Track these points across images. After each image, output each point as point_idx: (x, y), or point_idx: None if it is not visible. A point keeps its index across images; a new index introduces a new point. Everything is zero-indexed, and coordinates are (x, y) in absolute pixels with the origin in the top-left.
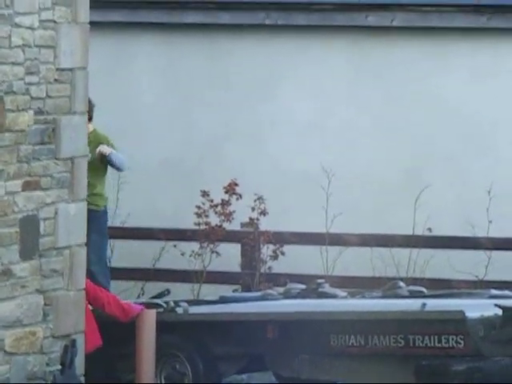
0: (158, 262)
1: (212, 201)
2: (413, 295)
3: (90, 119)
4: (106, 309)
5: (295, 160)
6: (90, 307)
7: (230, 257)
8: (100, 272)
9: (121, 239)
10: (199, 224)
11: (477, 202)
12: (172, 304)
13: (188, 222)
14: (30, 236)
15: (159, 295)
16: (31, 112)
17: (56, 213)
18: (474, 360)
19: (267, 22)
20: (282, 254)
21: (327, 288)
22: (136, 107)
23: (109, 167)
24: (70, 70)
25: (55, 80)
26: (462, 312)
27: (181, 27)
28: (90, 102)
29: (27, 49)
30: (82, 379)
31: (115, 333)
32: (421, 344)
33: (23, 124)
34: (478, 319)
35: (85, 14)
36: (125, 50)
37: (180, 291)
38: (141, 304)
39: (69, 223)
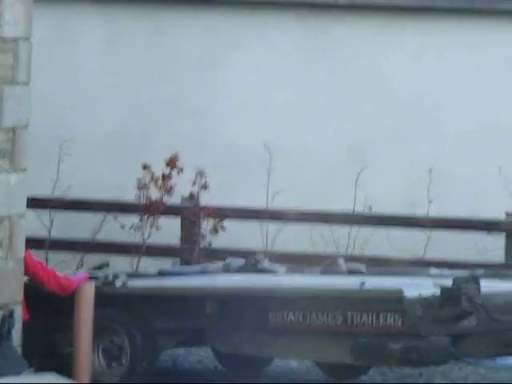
0: (98, 234)
1: (153, 174)
2: (352, 273)
3: None
4: (45, 286)
5: (238, 135)
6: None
7: (169, 230)
8: None
9: (61, 210)
10: (140, 197)
11: (418, 181)
12: (111, 277)
13: (129, 195)
14: None
15: (98, 267)
16: None
17: None
18: (411, 339)
19: None
20: (222, 228)
21: (266, 263)
22: (80, 79)
23: None
24: (14, 40)
25: None
26: (400, 290)
27: (125, 1)
28: None
29: None
30: (19, 350)
31: (53, 305)
32: (359, 321)
33: None
34: (416, 298)
35: None
36: (69, 21)
37: (119, 264)
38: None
39: (9, 193)
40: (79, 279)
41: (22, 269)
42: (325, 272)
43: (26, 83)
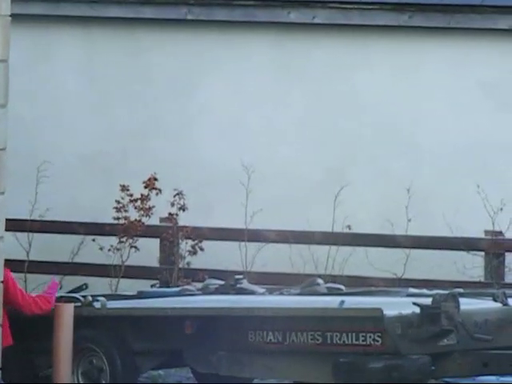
0: (77, 255)
1: (132, 195)
2: (331, 292)
3: None
4: (24, 310)
5: (216, 156)
6: None
7: (148, 252)
8: None
9: (39, 232)
10: (118, 218)
11: (396, 200)
12: (90, 298)
13: (107, 217)
14: None
15: (77, 289)
16: None
17: None
18: (391, 358)
19: (189, 17)
20: (201, 249)
21: (245, 284)
22: (57, 101)
23: None
24: None
25: None
26: (379, 310)
27: (103, 21)
28: None
29: None
30: None
31: (32, 327)
32: (339, 341)
33: None
34: (395, 317)
35: (6, 6)
36: (46, 43)
37: (98, 286)
38: (59, 298)
39: None
40: (53, 292)
41: (1, 291)
42: (304, 292)
43: (3, 105)
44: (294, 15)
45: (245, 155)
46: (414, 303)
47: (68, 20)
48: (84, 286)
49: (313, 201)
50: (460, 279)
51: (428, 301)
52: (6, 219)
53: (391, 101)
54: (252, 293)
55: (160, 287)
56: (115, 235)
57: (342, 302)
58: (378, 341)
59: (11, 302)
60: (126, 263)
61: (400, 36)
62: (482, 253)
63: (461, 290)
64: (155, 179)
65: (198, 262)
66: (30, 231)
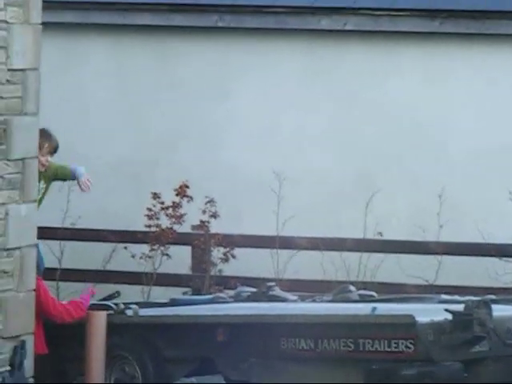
0: (109, 263)
1: (163, 203)
2: (363, 299)
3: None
4: (55, 319)
5: (247, 163)
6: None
7: (180, 259)
8: None
9: (71, 240)
10: (150, 226)
11: (428, 206)
12: (122, 306)
13: (139, 224)
14: None
15: (109, 297)
16: None
17: (7, 214)
18: (423, 365)
19: (220, 24)
20: (233, 256)
21: (277, 291)
22: (87, 108)
23: None
24: (22, 70)
25: (7, 81)
26: (411, 316)
27: (133, 29)
28: (51, 138)
29: None
30: (31, 381)
31: (65, 334)
32: (371, 348)
33: None
34: (427, 324)
35: (37, 14)
36: (77, 51)
37: (130, 293)
38: (91, 306)
39: (19, 224)
40: (86, 299)
41: (34, 300)
42: (336, 299)
43: (35, 114)
44: (325, 22)
45: (276, 162)
46: (446, 310)
47: (98, 28)
48: (116, 294)
49: (344, 207)
50: (492, 285)
51: (460, 307)
52: (38, 227)
53: (422, 107)
54: (284, 300)
55: (192, 295)
56: (147, 243)
57: (374, 308)
58: (410, 348)
59: (43, 311)
60: (158, 271)
61: (431, 42)
62: None
63: (493, 297)
64: (186, 186)
65: (229, 269)
66: (62, 239)
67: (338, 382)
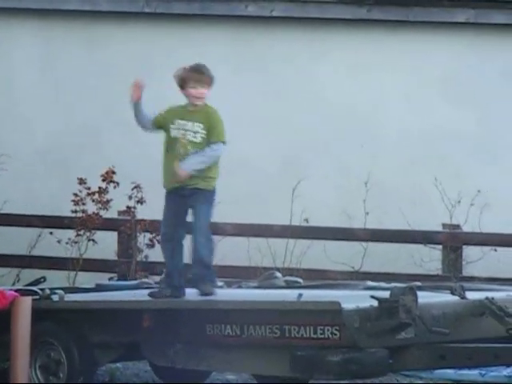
0: (34, 249)
1: (89, 188)
2: (289, 285)
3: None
4: None
5: None
6: None
7: (106, 245)
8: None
9: None
10: (76, 212)
11: (354, 193)
12: (48, 291)
13: (65, 210)
14: None
15: (35, 282)
16: None
17: None
18: (349, 351)
19: (146, 10)
20: (159, 242)
21: None
22: (13, 94)
23: None
24: None
25: None
26: (337, 303)
27: (60, 14)
28: (203, 68)
29: None
30: None
31: None
32: (297, 335)
33: None
34: (353, 310)
35: None
36: (3, 36)
37: (56, 279)
38: (16, 291)
39: None
40: (14, 294)
41: None
42: (262, 285)
43: None
44: (252, 8)
45: None
46: (372, 296)
47: (26, 13)
48: (42, 279)
49: (271, 194)
50: (418, 272)
51: (386, 294)
52: None
53: (350, 94)
54: None
55: (118, 280)
56: (73, 228)
57: (300, 295)
58: (335, 334)
59: None
60: (84, 256)
61: (358, 29)
62: (440, 246)
63: (419, 284)
64: (113, 172)
65: (155, 255)
66: None
67: (263, 368)
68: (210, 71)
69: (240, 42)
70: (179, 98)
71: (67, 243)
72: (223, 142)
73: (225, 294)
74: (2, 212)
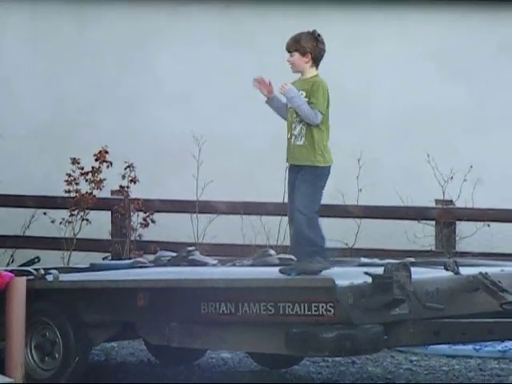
0: (28, 229)
1: (82, 168)
2: (283, 263)
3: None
4: None
5: (166, 128)
6: None
7: (100, 224)
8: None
9: None
10: (69, 191)
11: (346, 170)
12: (42, 271)
13: (58, 190)
14: None
15: (29, 263)
16: None
17: None
18: (343, 328)
19: None
20: (153, 221)
21: (197, 255)
22: (5, 74)
23: None
24: None
25: None
26: (331, 280)
27: None
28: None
29: None
30: None
31: None
32: (291, 312)
33: None
34: (347, 287)
35: None
36: None
37: (50, 259)
38: (11, 271)
39: None
40: (9, 274)
41: None
42: (256, 263)
43: None
44: None
45: (195, 126)
46: (366, 273)
47: None
48: (36, 260)
49: (264, 172)
50: (411, 248)
51: (380, 270)
52: None
53: (341, 71)
54: (204, 264)
55: (112, 260)
56: (66, 208)
57: (291, 269)
58: (330, 311)
59: None
60: (78, 236)
61: (349, 6)
62: (433, 222)
63: (412, 260)
64: (106, 152)
65: (149, 234)
66: None
67: (258, 346)
68: (295, 36)
69: (230, 18)
70: (173, 77)
71: (61, 223)
72: (320, 112)
73: (219, 271)
74: None
